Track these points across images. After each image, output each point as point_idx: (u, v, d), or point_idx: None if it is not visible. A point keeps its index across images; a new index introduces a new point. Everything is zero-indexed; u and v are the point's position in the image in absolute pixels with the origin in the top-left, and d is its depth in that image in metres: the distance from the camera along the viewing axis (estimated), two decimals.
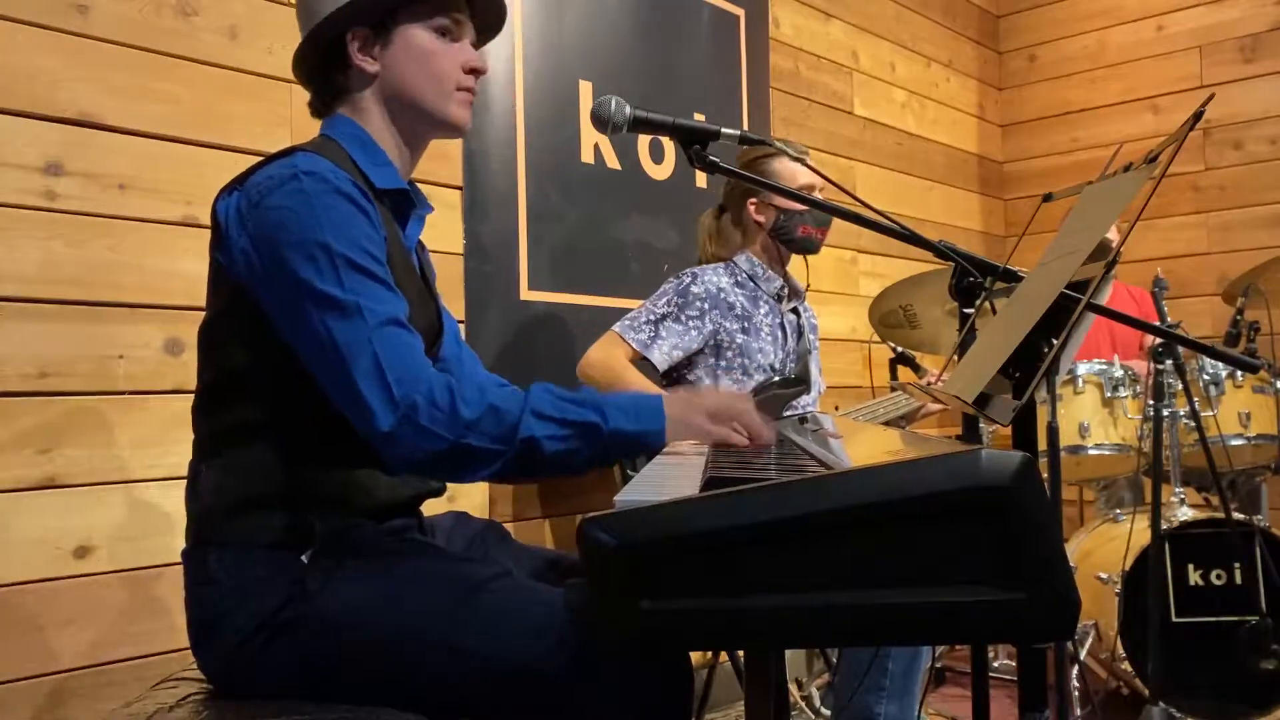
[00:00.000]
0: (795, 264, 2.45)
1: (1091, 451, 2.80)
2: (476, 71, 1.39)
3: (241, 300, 1.22)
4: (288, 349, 1.20)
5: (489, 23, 1.48)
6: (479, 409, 1.15)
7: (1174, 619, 2.65)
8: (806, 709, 2.68)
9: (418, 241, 1.45)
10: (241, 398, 1.24)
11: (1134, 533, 2.67)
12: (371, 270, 1.19)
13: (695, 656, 2.57)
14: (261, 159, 1.27)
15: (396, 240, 1.32)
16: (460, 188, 2.44)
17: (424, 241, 1.50)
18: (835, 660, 2.30)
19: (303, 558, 1.20)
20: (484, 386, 1.22)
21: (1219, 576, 2.67)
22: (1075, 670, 2.56)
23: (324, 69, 1.36)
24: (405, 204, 1.38)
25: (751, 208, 2.35)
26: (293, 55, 1.37)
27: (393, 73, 1.34)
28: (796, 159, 2.22)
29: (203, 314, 1.29)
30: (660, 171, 2.92)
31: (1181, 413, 2.72)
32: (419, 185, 1.43)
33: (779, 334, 2.37)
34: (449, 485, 2.35)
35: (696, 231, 2.49)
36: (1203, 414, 2.64)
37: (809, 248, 2.36)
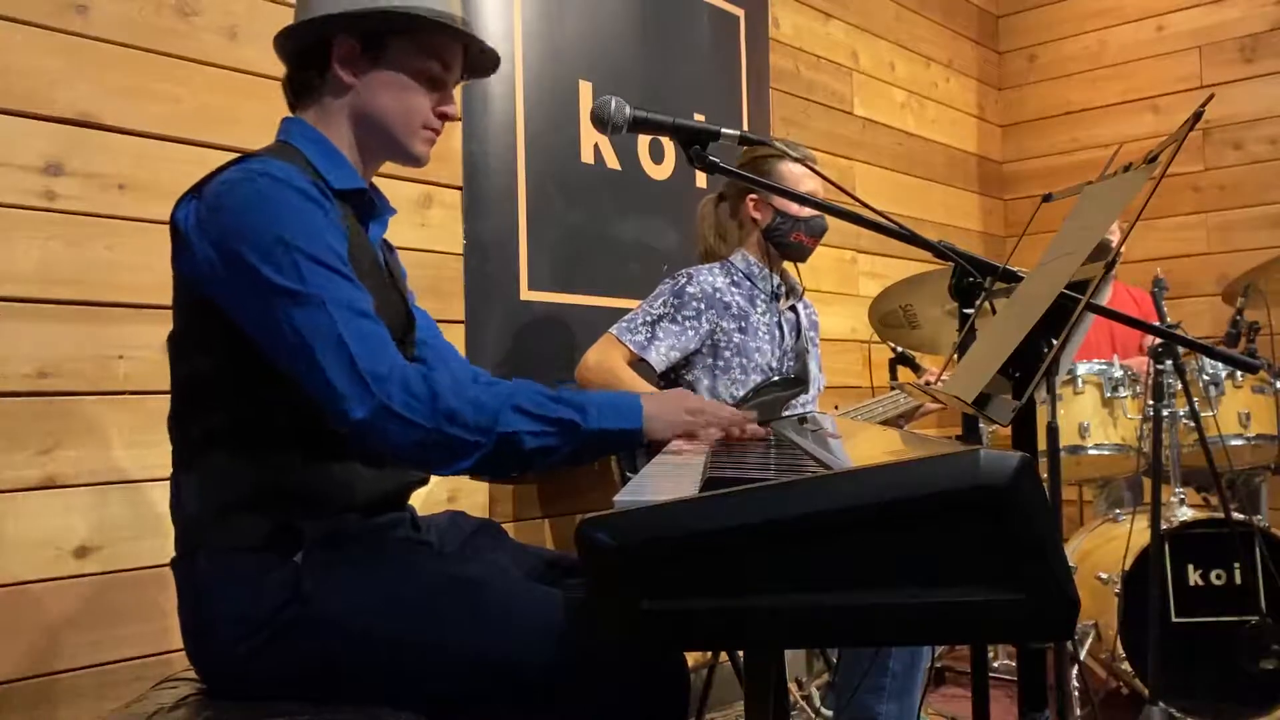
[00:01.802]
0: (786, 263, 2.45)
1: (1091, 451, 2.80)
2: (448, 117, 1.40)
3: (207, 309, 1.22)
4: (255, 352, 1.20)
5: (482, 67, 1.48)
6: (459, 400, 1.16)
7: (1174, 619, 2.65)
8: (806, 709, 2.67)
9: (384, 241, 1.46)
10: (213, 404, 1.24)
11: (1134, 533, 2.67)
12: (331, 264, 1.19)
13: (695, 656, 2.57)
14: (218, 166, 1.27)
15: (359, 237, 1.32)
16: (460, 188, 2.44)
17: (389, 241, 1.50)
18: (835, 660, 2.30)
19: (295, 559, 1.20)
20: (463, 379, 1.22)
21: (1219, 576, 2.66)
22: (1075, 670, 2.56)
23: (302, 61, 1.36)
24: (365, 205, 1.38)
25: (750, 204, 2.35)
26: (277, 33, 1.37)
27: (368, 93, 1.35)
28: (799, 161, 2.22)
29: None
30: (660, 171, 2.92)
31: (1181, 413, 2.72)
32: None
33: (776, 333, 2.37)
34: (449, 486, 2.36)
35: (697, 219, 2.49)
36: (1202, 414, 2.64)
37: (799, 255, 2.36)
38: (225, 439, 1.23)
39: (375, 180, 1.44)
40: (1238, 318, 2.67)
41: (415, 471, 1.40)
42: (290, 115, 1.40)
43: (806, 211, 2.30)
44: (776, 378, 2.31)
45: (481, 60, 1.46)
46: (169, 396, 1.32)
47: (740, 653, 2.04)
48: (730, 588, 0.78)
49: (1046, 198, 1.48)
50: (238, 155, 1.27)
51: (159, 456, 1.90)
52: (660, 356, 2.22)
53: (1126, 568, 2.63)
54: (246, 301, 1.18)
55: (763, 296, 2.35)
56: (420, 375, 1.16)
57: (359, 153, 1.38)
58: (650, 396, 1.27)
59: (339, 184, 1.31)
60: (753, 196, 2.34)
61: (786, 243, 2.32)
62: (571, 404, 1.20)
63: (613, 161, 2.80)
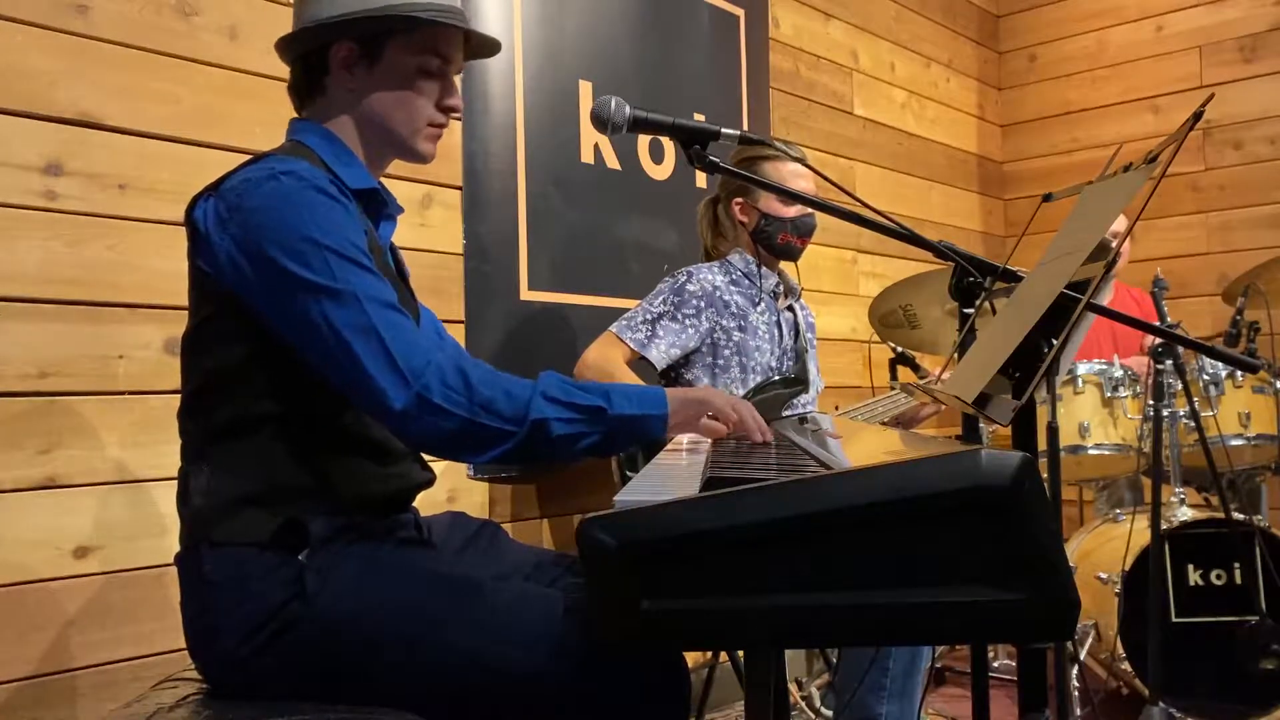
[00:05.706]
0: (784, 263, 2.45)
1: (1091, 451, 2.80)
2: (452, 109, 1.41)
3: (227, 305, 1.23)
4: (273, 348, 1.21)
5: (484, 49, 1.48)
6: (492, 389, 1.18)
7: (1174, 619, 2.65)
8: (806, 709, 2.68)
9: (390, 241, 1.47)
10: (227, 400, 1.24)
11: (1134, 533, 2.67)
12: (358, 260, 1.20)
13: (695, 656, 2.57)
14: (235, 166, 1.28)
15: (372, 237, 1.33)
16: (460, 188, 2.44)
17: (395, 243, 1.51)
18: (835, 660, 2.30)
19: (300, 557, 1.20)
20: (494, 370, 1.24)
21: (1219, 576, 2.67)
22: (1075, 670, 2.56)
23: (305, 65, 1.37)
24: (376, 204, 1.39)
25: (736, 208, 2.34)
26: (277, 40, 1.38)
27: (370, 96, 1.36)
28: (795, 158, 2.22)
29: None
30: (660, 171, 2.92)
31: (1181, 413, 2.72)
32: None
33: (775, 332, 2.37)
34: (448, 486, 2.36)
35: (697, 220, 2.50)
36: (1203, 414, 2.64)
37: (789, 254, 2.35)
38: (240, 432, 1.23)
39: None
40: (1238, 318, 2.67)
41: (425, 473, 1.40)
42: (297, 116, 1.40)
43: (792, 211, 2.29)
44: (776, 377, 2.31)
45: (483, 43, 1.46)
46: (170, 395, 1.32)
47: (740, 653, 2.04)
48: (730, 588, 0.78)
49: (1046, 198, 1.48)
50: (244, 155, 1.28)
51: (159, 456, 1.90)
52: (660, 354, 2.22)
53: (1126, 568, 2.63)
54: (277, 299, 1.19)
55: (761, 295, 2.35)
56: (454, 365, 1.18)
57: (366, 153, 1.39)
58: (673, 389, 1.29)
59: (353, 183, 1.32)
60: (738, 200, 2.34)
61: (775, 244, 2.32)
62: (596, 391, 1.23)
63: (613, 161, 2.80)
